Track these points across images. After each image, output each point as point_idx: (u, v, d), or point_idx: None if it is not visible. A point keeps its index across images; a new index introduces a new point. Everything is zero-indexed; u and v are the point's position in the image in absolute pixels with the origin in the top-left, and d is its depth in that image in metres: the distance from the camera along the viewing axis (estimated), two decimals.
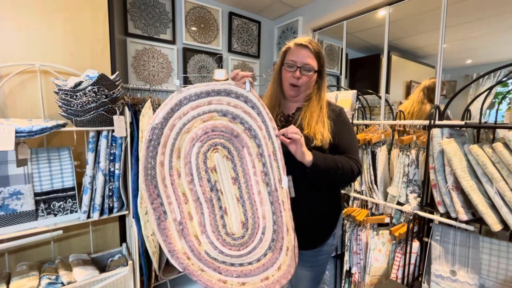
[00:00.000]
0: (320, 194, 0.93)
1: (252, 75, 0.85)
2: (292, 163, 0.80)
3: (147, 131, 0.81)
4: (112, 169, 1.31)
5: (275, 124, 0.81)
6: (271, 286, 0.84)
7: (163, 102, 0.81)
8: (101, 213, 1.30)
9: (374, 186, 1.42)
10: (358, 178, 1.48)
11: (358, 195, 1.50)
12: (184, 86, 0.81)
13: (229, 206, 0.89)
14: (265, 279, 0.85)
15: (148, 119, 1.43)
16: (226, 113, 0.84)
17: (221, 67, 2.43)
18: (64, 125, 1.15)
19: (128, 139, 1.36)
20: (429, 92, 1.65)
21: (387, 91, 1.79)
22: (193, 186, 0.87)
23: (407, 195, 1.30)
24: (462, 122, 1.08)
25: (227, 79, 0.84)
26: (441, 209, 1.09)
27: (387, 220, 1.40)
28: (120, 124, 1.27)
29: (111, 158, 1.30)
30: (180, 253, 0.86)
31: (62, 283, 1.14)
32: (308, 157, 0.78)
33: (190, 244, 0.87)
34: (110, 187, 1.32)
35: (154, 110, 1.54)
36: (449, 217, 1.08)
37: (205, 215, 0.88)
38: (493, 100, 1.45)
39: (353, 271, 1.46)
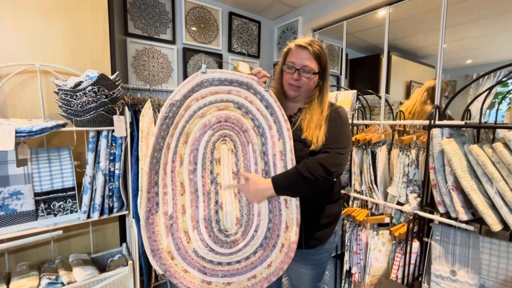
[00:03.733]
0: (319, 193, 0.93)
1: (271, 77, 0.87)
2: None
3: (164, 107, 0.77)
4: (112, 169, 1.31)
5: (290, 126, 0.83)
6: (258, 284, 0.83)
7: (185, 80, 0.79)
8: (101, 213, 1.30)
9: (374, 186, 1.42)
10: (358, 178, 1.48)
11: (358, 195, 1.50)
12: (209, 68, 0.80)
13: (226, 201, 0.88)
14: (253, 277, 0.85)
15: (148, 119, 1.43)
16: (241, 106, 0.85)
17: (222, 67, 2.43)
18: (64, 125, 1.15)
19: (128, 139, 1.36)
20: (433, 93, 1.64)
21: (387, 91, 1.79)
22: (194, 176, 0.85)
23: (407, 195, 1.30)
24: (462, 122, 1.08)
25: (250, 74, 0.85)
26: (441, 209, 1.09)
27: (387, 220, 1.40)
28: (120, 124, 1.27)
29: (111, 158, 1.30)
30: (164, 252, 0.81)
31: (62, 283, 1.14)
32: (267, 188, 0.82)
33: (178, 242, 0.83)
34: (110, 187, 1.32)
35: (154, 110, 1.54)
36: (449, 217, 1.08)
37: (200, 209, 0.86)
38: (493, 100, 1.46)
39: (353, 271, 1.46)
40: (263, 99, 0.84)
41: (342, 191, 1.55)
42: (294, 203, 0.81)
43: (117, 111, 1.28)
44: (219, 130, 0.85)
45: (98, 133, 1.28)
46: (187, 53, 2.23)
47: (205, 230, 0.86)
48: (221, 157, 0.87)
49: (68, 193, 1.25)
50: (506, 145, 0.91)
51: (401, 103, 1.95)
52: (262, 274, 0.84)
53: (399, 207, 1.31)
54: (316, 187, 0.81)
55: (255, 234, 0.87)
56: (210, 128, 0.84)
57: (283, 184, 0.81)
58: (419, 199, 1.26)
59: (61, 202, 1.23)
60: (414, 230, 1.26)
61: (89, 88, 1.15)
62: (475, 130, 1.20)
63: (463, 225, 1.05)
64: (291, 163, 0.81)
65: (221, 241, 0.87)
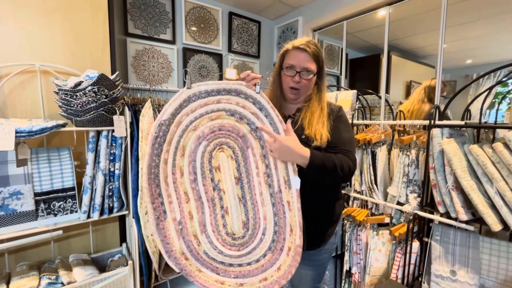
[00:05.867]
0: (322, 193, 0.93)
1: (262, 77, 0.86)
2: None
3: (153, 127, 0.79)
4: (112, 169, 1.31)
5: (285, 127, 0.82)
6: (270, 286, 0.84)
7: (172, 98, 0.80)
8: (101, 213, 1.30)
9: (374, 186, 1.42)
10: (358, 178, 1.49)
11: (358, 195, 1.50)
12: (193, 82, 0.81)
13: (231, 205, 0.89)
14: (264, 279, 0.85)
15: (148, 119, 1.43)
16: (234, 113, 0.84)
17: (222, 68, 2.43)
18: (64, 125, 1.15)
19: (128, 139, 1.36)
20: (429, 91, 1.65)
21: (387, 91, 1.79)
22: (195, 185, 0.86)
23: (407, 195, 1.30)
24: (462, 122, 1.08)
25: (238, 79, 0.85)
26: (441, 209, 1.09)
27: (387, 220, 1.40)
28: (120, 124, 1.27)
29: (111, 158, 1.30)
30: (177, 254, 0.85)
31: (62, 283, 1.14)
32: (304, 155, 0.78)
33: (189, 244, 0.87)
34: (110, 187, 1.32)
35: (154, 110, 1.54)
36: (449, 217, 1.08)
37: (206, 214, 0.88)
38: (493, 100, 1.46)
39: (353, 271, 1.46)
40: (255, 102, 0.83)
41: (342, 191, 1.56)
42: (296, 206, 0.81)
43: (117, 111, 1.28)
44: (214, 139, 0.86)
45: (98, 133, 1.28)
46: (187, 53, 2.23)
47: (212, 234, 0.88)
48: (220, 164, 0.87)
49: (68, 193, 1.25)
50: (506, 145, 0.91)
51: (401, 103, 1.95)
52: (273, 277, 0.84)
53: (399, 207, 1.31)
54: (333, 182, 0.90)
55: (263, 237, 0.87)
56: (204, 139, 0.85)
57: (318, 163, 0.78)
58: (419, 199, 1.26)
59: (61, 202, 1.23)
60: (414, 230, 1.26)
61: (89, 88, 1.15)
62: (475, 130, 1.20)
63: (463, 225, 1.05)
64: (291, 165, 0.81)
65: (229, 244, 0.88)
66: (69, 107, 1.17)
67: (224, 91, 0.82)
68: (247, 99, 0.83)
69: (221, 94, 0.82)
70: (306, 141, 0.87)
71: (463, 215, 1.01)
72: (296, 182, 0.80)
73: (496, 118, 1.02)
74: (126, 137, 1.33)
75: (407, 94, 2.00)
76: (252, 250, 0.88)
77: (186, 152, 0.85)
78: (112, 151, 1.30)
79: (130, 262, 1.33)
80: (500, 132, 1.08)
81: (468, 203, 1.03)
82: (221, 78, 2.43)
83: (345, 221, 1.52)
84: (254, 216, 0.88)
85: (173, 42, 2.15)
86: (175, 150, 0.83)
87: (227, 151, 0.87)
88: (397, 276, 1.25)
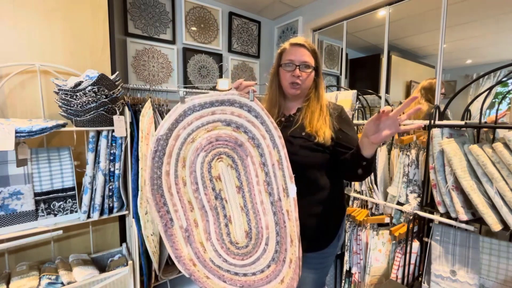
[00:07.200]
0: (324, 196, 0.92)
1: (255, 84, 0.86)
2: (297, 166, 0.80)
3: (152, 142, 0.82)
4: (112, 169, 1.31)
5: (280, 133, 0.81)
6: None
7: (167, 113, 0.83)
8: (101, 213, 1.30)
9: (374, 186, 1.43)
10: None
11: (358, 195, 1.50)
12: (186, 97, 0.82)
13: (234, 214, 0.89)
14: None
15: (148, 119, 1.44)
16: (230, 123, 0.85)
17: (221, 68, 2.43)
18: (64, 125, 1.15)
19: (128, 139, 1.36)
20: (426, 92, 1.66)
21: (387, 91, 1.79)
22: (198, 194, 0.88)
23: (407, 195, 1.30)
24: (462, 122, 1.08)
25: (231, 89, 0.85)
26: (441, 209, 1.09)
27: (387, 220, 1.40)
28: (120, 124, 1.27)
29: (111, 158, 1.30)
30: (186, 259, 0.88)
31: (62, 283, 1.14)
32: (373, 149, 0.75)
33: (196, 251, 0.89)
34: (110, 187, 1.32)
35: (154, 110, 1.54)
36: (449, 217, 1.08)
37: (210, 222, 0.90)
38: (493, 100, 1.45)
39: (353, 271, 1.46)
40: (251, 110, 0.83)
41: None
42: (294, 215, 0.80)
43: (117, 111, 1.28)
44: (212, 150, 0.87)
45: (98, 133, 1.28)
46: (187, 53, 2.23)
47: (217, 242, 0.90)
48: (220, 174, 0.88)
49: (68, 193, 1.25)
50: (506, 145, 0.91)
51: (401, 103, 1.95)
52: None
53: (399, 207, 1.31)
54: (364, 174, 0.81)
55: (266, 247, 0.87)
56: (202, 150, 0.86)
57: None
58: (419, 199, 1.26)
59: (61, 202, 1.23)
60: (414, 230, 1.26)
61: (89, 88, 1.15)
62: (475, 130, 1.20)
63: (463, 225, 1.05)
64: (287, 171, 0.80)
65: (233, 253, 0.89)
66: (69, 107, 1.17)
67: (217, 103, 0.83)
68: (242, 107, 0.83)
69: (214, 105, 0.83)
70: (307, 138, 0.87)
71: (463, 215, 1.01)
72: (292, 190, 0.79)
73: (496, 118, 1.02)
74: (126, 137, 1.33)
75: (407, 94, 2.00)
76: (256, 260, 0.88)
77: (187, 163, 0.87)
78: (112, 151, 1.30)
79: (130, 262, 1.33)
80: (500, 132, 1.08)
81: (468, 203, 1.03)
82: (220, 70, 2.42)
83: (345, 221, 1.52)
84: (256, 225, 0.87)
85: (173, 42, 2.15)
86: (176, 162, 0.86)
87: (226, 161, 0.88)
88: (397, 276, 1.25)
